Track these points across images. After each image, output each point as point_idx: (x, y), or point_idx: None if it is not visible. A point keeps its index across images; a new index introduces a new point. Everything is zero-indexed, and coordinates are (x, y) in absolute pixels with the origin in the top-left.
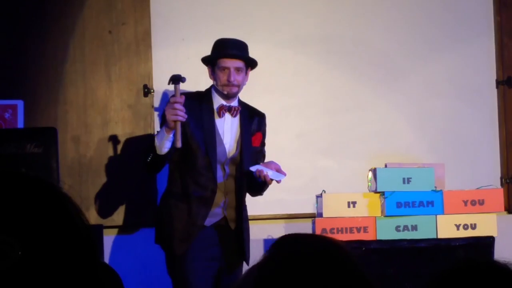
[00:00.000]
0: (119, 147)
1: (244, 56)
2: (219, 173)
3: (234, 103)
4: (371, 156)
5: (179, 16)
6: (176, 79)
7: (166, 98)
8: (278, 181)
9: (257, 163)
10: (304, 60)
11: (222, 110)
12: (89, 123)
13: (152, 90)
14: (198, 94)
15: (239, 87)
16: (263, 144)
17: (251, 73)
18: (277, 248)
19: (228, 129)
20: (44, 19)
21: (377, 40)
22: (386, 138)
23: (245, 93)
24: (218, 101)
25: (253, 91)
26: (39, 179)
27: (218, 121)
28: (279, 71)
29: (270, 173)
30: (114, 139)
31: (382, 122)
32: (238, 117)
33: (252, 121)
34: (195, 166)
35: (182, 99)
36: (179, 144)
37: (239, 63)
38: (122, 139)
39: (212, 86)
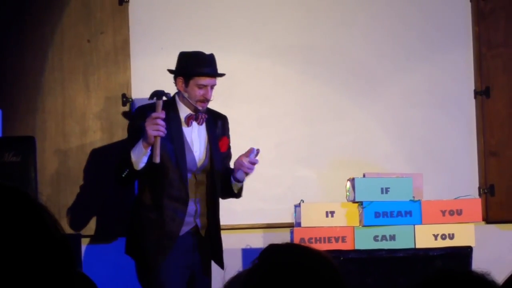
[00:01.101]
0: (98, 156)
1: (221, 74)
2: (191, 182)
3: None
4: (349, 165)
5: (158, 26)
6: (159, 95)
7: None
8: (254, 155)
9: (225, 167)
10: (282, 70)
11: (190, 119)
12: (67, 132)
13: (130, 99)
14: (163, 104)
15: None
16: (229, 147)
17: (230, 83)
18: (264, 257)
19: (196, 138)
20: (22, 28)
21: (355, 50)
22: (364, 148)
23: (223, 103)
24: (184, 110)
25: (232, 101)
26: (14, 188)
27: (186, 130)
28: (257, 81)
29: (246, 160)
30: (92, 148)
31: (360, 131)
32: (204, 124)
33: (216, 125)
34: (167, 178)
35: (163, 114)
36: (157, 160)
37: (215, 81)
38: (100, 147)
39: (175, 96)
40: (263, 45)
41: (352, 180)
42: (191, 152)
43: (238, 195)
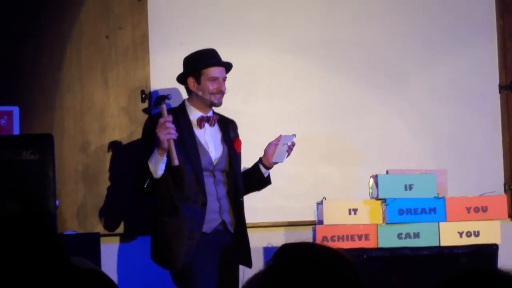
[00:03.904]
0: (117, 153)
1: (228, 63)
2: (209, 180)
3: (210, 113)
4: (372, 162)
5: (177, 20)
6: (160, 99)
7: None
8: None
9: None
10: (304, 65)
11: (202, 121)
12: (86, 130)
13: (149, 96)
14: (172, 110)
15: None
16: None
17: (250, 78)
18: (278, 258)
19: (210, 139)
20: (40, 24)
21: (378, 44)
22: (387, 144)
23: (244, 99)
24: (195, 113)
25: (252, 97)
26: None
27: (198, 132)
28: (278, 76)
29: (282, 146)
30: (111, 145)
31: (383, 127)
32: (216, 125)
33: (228, 128)
34: (183, 182)
35: (170, 117)
36: (176, 162)
37: (224, 73)
38: (119, 145)
39: (184, 101)
40: (284, 39)
41: (375, 177)
42: (207, 152)
43: (268, 181)
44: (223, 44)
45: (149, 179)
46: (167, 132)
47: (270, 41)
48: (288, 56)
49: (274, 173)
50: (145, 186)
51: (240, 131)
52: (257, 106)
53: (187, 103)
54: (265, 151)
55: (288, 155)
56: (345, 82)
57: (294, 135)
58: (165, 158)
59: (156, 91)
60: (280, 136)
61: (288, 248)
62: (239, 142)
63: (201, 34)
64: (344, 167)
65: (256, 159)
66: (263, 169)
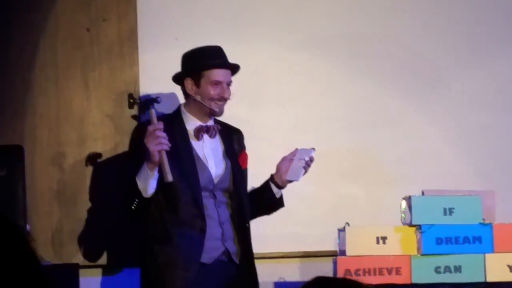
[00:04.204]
0: (99, 169)
1: (235, 65)
2: (210, 202)
3: (211, 122)
4: (405, 181)
5: (172, 12)
6: (149, 103)
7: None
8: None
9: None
10: (322, 65)
11: (200, 131)
12: (62, 140)
13: (138, 100)
14: (165, 117)
15: None
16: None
17: (259, 81)
18: None
19: (209, 153)
20: (7, 15)
21: (411, 41)
22: (423, 160)
23: (251, 105)
24: (192, 122)
25: (261, 103)
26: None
27: (196, 145)
28: (292, 79)
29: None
30: (92, 159)
31: (418, 140)
32: (217, 137)
33: (232, 140)
34: (178, 203)
35: (161, 125)
36: (170, 177)
37: (229, 76)
38: (102, 159)
39: (180, 107)
40: (298, 35)
41: (409, 199)
42: (206, 168)
43: (280, 203)
44: (226, 40)
45: (138, 199)
46: (158, 142)
47: (282, 37)
48: (303, 54)
49: (287, 193)
50: (133, 207)
51: (247, 142)
52: (266, 113)
53: (183, 109)
54: (278, 167)
55: (305, 172)
56: (372, 86)
57: (313, 149)
58: (156, 174)
59: (146, 95)
60: (296, 150)
61: (322, 281)
62: (245, 156)
63: (200, 28)
64: (371, 187)
65: (266, 177)
66: (275, 189)
